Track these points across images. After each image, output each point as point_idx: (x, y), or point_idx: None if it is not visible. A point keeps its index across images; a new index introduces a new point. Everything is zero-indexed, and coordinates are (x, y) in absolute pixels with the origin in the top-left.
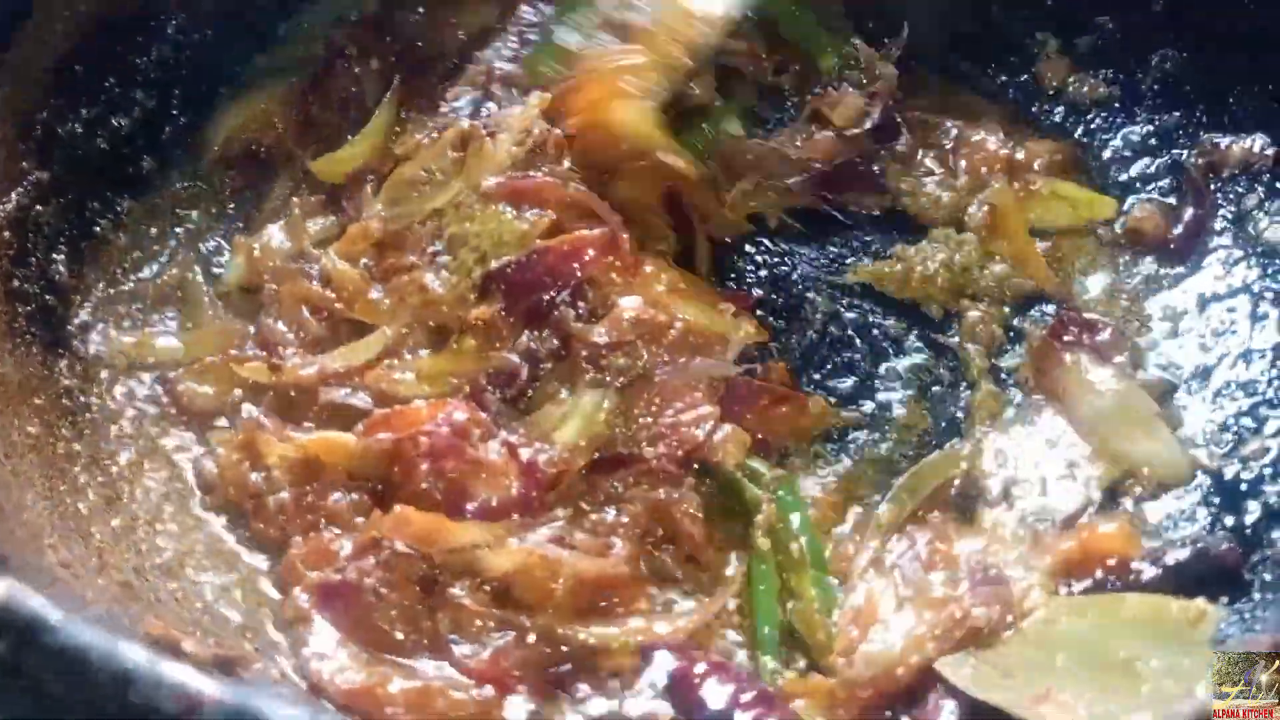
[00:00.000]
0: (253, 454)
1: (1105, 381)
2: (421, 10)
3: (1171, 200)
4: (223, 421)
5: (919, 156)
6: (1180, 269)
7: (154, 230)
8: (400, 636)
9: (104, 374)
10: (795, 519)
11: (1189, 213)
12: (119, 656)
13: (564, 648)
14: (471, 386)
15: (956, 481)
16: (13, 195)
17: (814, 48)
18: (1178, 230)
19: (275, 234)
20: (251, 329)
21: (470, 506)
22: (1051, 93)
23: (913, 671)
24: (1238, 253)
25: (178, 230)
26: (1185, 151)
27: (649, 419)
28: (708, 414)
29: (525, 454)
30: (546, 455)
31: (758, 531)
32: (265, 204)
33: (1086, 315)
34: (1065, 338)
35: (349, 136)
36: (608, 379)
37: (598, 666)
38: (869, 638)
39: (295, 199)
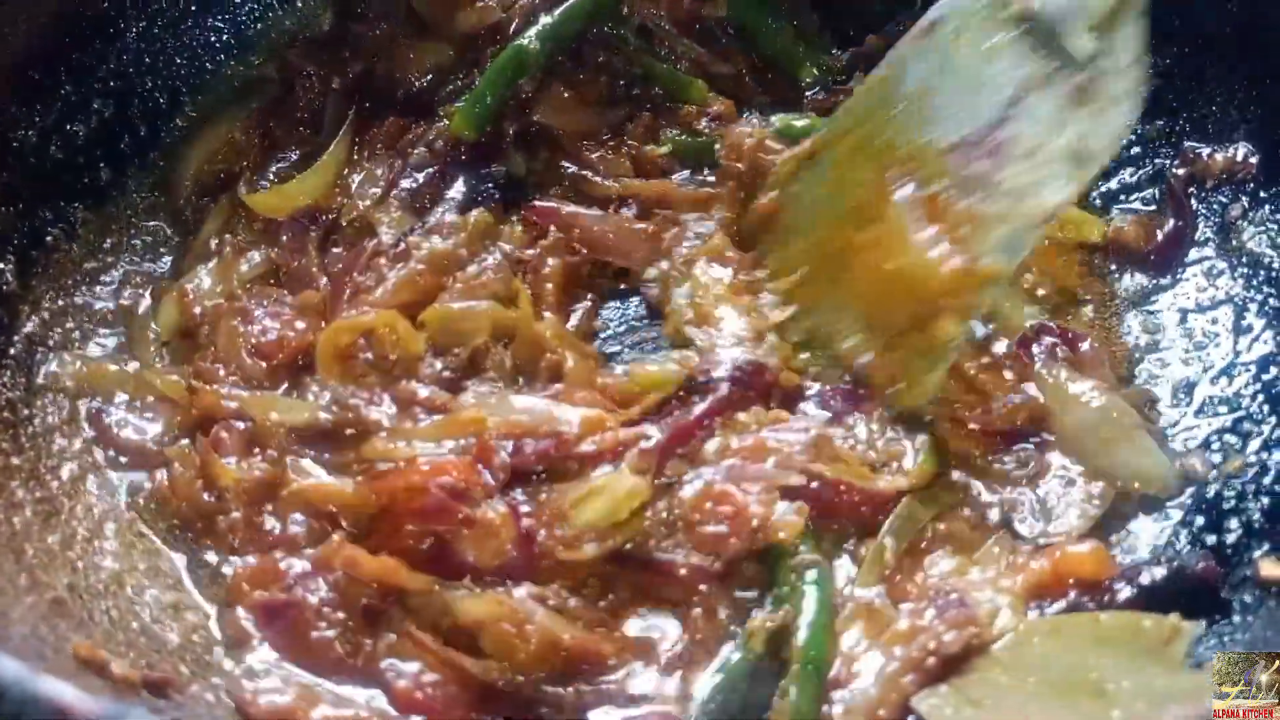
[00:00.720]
0: (207, 475)
1: (1087, 394)
2: (382, 27)
3: (1154, 210)
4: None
5: None
6: (1163, 280)
7: (109, 242)
8: (337, 658)
9: (50, 387)
10: (812, 613)
11: (1170, 223)
12: None
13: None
14: (480, 445)
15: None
16: None
17: (792, 61)
18: (1159, 241)
19: (204, 278)
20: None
21: (456, 565)
22: None
23: (894, 711)
24: (1221, 264)
25: (134, 243)
26: (1168, 161)
27: (695, 518)
28: (758, 524)
29: (526, 522)
30: (554, 532)
31: (765, 620)
32: (196, 239)
33: (1065, 327)
34: (1035, 349)
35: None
36: (654, 471)
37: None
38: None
39: (228, 235)
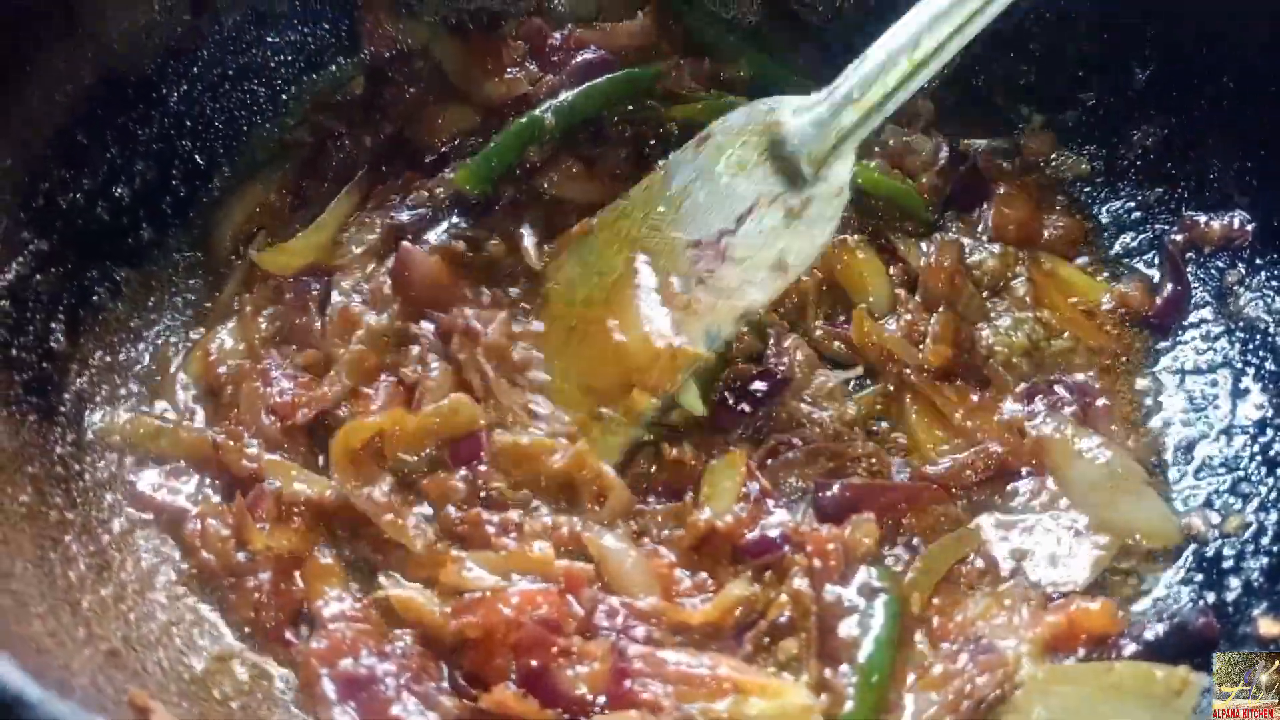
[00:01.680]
0: (240, 536)
1: (1093, 450)
2: (411, 91)
3: (1155, 274)
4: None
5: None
6: (1163, 342)
7: (151, 300)
8: None
9: (98, 442)
10: (878, 628)
11: (1169, 288)
12: None
13: None
14: (569, 576)
15: (979, 561)
16: (12, 265)
17: None
18: (1159, 304)
19: (225, 337)
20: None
21: (549, 688)
22: (1036, 167)
23: None
24: (1218, 328)
25: (175, 300)
26: (1167, 226)
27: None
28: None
29: (620, 643)
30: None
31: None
32: (219, 298)
33: (1079, 380)
34: (1036, 401)
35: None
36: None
37: None
38: None
39: (247, 294)
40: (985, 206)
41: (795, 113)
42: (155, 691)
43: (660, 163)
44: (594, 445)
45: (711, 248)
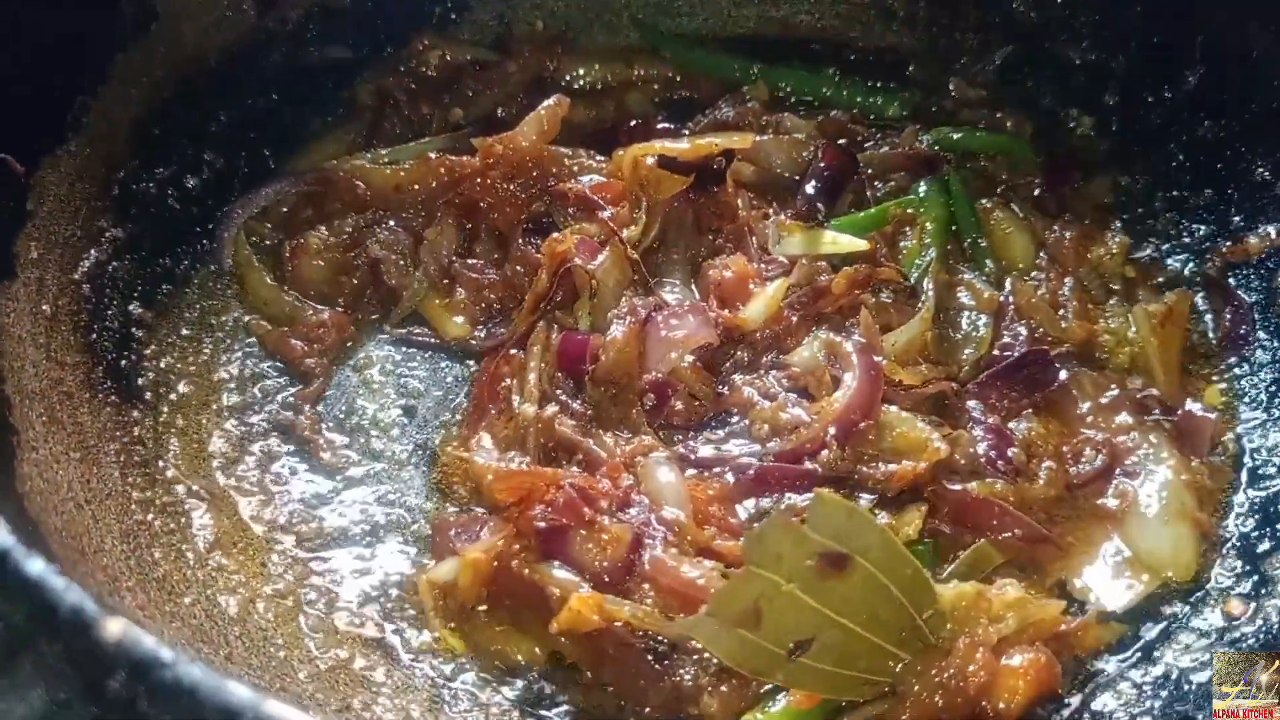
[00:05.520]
0: None
1: (1162, 473)
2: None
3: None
4: None
5: None
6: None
7: (218, 286)
8: None
9: (174, 425)
10: None
11: (1226, 314)
12: (225, 693)
13: None
14: (610, 466)
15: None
16: (92, 252)
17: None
18: (1227, 326)
19: None
20: None
21: (559, 542)
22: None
23: None
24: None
25: (234, 287)
26: (1208, 241)
27: None
28: None
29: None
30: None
31: None
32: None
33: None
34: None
35: None
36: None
37: None
38: None
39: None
40: (1076, 180)
41: None
42: (241, 665)
43: None
44: None
45: None
